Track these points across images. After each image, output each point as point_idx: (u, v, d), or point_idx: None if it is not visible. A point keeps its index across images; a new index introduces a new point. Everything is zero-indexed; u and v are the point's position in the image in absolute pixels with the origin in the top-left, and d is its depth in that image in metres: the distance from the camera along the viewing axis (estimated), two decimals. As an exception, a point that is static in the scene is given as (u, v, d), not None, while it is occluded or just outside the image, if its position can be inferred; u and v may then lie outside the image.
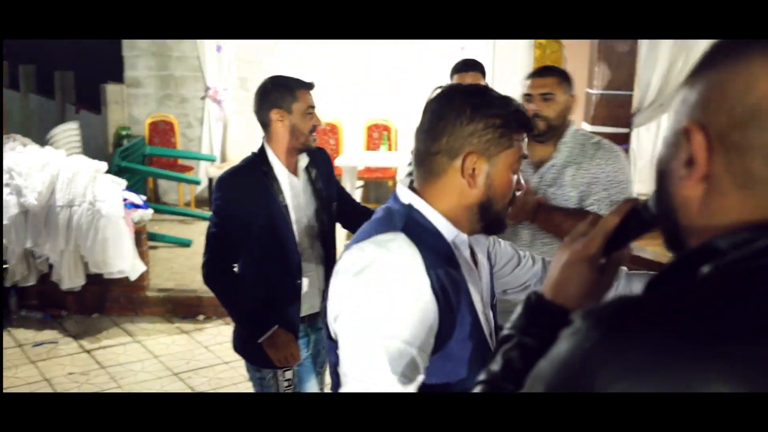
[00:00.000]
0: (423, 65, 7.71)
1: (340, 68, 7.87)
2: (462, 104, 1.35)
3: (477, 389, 0.98)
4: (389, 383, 1.25)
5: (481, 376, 1.00)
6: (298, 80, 2.69)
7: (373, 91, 7.93)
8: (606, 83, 4.97)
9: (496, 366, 0.98)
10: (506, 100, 1.38)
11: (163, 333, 5.06)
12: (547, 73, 2.64)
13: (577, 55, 6.98)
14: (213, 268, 2.67)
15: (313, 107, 2.66)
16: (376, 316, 1.27)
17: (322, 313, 2.80)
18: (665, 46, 4.87)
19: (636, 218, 0.97)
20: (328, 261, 2.81)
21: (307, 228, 2.73)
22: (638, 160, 5.65)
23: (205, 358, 4.64)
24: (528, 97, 2.60)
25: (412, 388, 1.28)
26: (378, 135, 7.87)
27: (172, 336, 5.01)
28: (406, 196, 1.43)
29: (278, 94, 2.64)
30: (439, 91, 1.42)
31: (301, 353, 2.75)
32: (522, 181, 1.46)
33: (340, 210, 2.89)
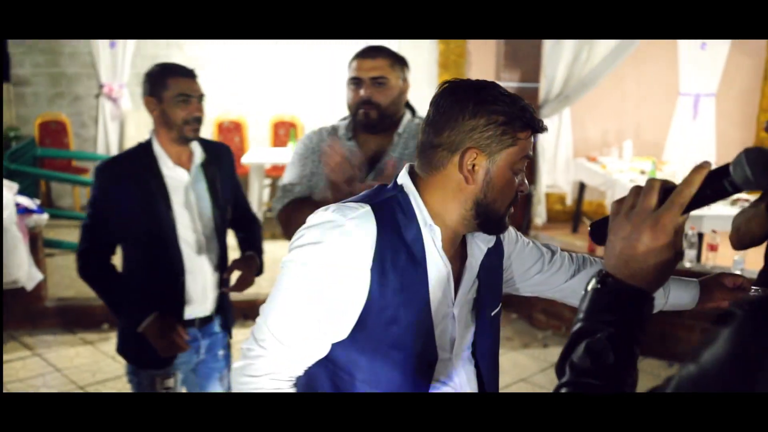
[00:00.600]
0: (329, 59, 7.62)
1: (243, 63, 7.68)
2: (465, 99, 1.35)
3: (564, 389, 0.91)
4: (283, 333, 1.33)
5: (565, 377, 0.92)
6: (173, 66, 2.53)
7: (278, 86, 7.77)
8: (512, 76, 5.03)
9: (584, 362, 0.90)
10: (512, 98, 1.36)
11: (66, 345, 4.78)
12: (378, 53, 2.35)
13: (482, 48, 7.07)
14: (87, 261, 2.54)
15: (187, 96, 2.48)
16: (304, 266, 1.32)
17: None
18: (569, 40, 4.98)
19: (714, 188, 0.91)
20: (222, 264, 2.67)
21: (196, 227, 2.59)
22: (545, 152, 5.76)
23: (111, 369, 4.41)
24: (356, 81, 2.32)
25: (306, 348, 1.35)
26: (284, 131, 7.73)
27: (76, 347, 4.74)
28: (401, 177, 1.44)
29: (150, 82, 2.51)
30: (446, 85, 1.41)
31: (191, 359, 2.63)
32: (526, 182, 1.42)
33: (233, 214, 2.77)
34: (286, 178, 2.47)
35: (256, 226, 2.90)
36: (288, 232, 2.36)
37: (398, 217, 1.37)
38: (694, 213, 4.43)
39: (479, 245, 1.48)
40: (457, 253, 1.47)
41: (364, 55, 2.33)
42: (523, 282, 1.68)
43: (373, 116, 2.31)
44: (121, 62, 7.44)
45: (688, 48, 7.21)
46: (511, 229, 1.65)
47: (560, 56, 5.02)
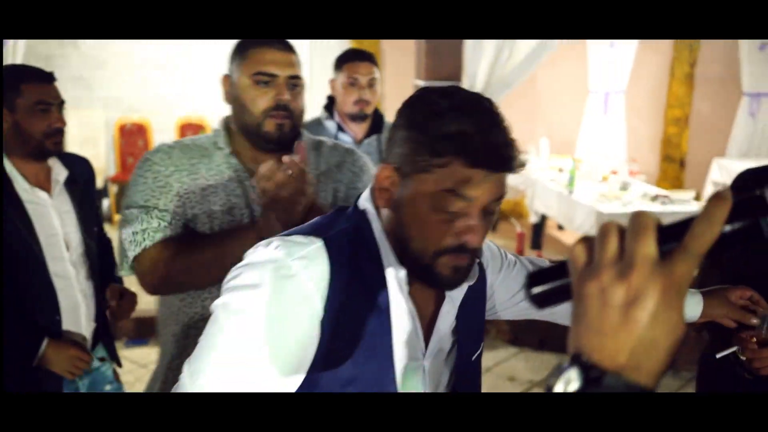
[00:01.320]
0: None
1: (146, 62, 7.27)
2: (412, 107, 1.11)
3: None
4: (213, 381, 1.05)
5: None
6: (26, 69, 2.19)
7: (185, 85, 7.40)
8: (434, 74, 4.89)
9: None
10: (467, 114, 1.06)
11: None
12: (288, 46, 1.80)
13: (397, 46, 6.92)
14: None
15: (47, 103, 2.15)
16: (238, 316, 1.06)
17: None
18: (490, 39, 4.90)
19: (745, 229, 0.62)
20: (98, 296, 2.35)
21: (64, 257, 2.22)
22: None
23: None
24: (267, 78, 1.74)
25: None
26: (192, 134, 7.37)
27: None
28: (363, 200, 1.19)
29: None
30: (415, 92, 1.16)
31: None
32: (473, 223, 1.08)
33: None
34: (140, 198, 1.76)
35: (111, 252, 2.56)
36: (164, 286, 1.75)
37: (358, 254, 1.13)
38: (611, 210, 4.38)
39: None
40: (432, 293, 1.22)
41: (275, 45, 1.77)
42: (505, 309, 1.45)
43: (287, 128, 1.77)
44: (12, 62, 6.91)
45: (597, 47, 7.30)
46: (494, 249, 1.42)
47: (482, 55, 4.93)
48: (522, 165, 1.10)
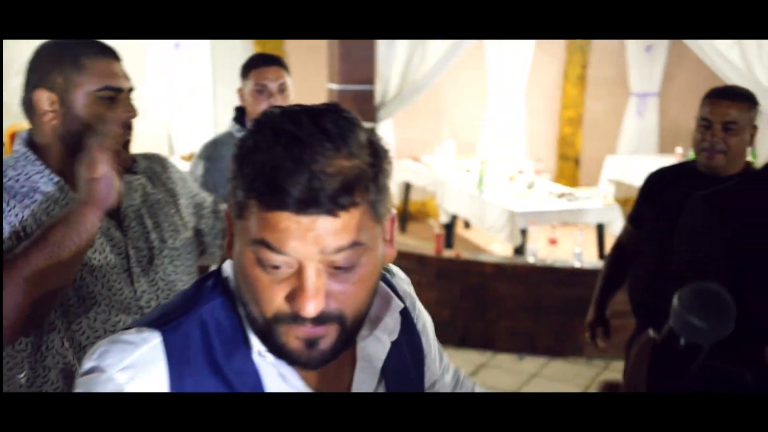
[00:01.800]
0: (140, 57, 7.06)
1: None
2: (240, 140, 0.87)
3: None
4: None
5: None
6: None
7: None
8: (348, 78, 4.91)
9: None
10: (282, 144, 0.81)
11: None
12: (118, 55, 1.60)
13: (301, 48, 6.88)
14: None
15: None
16: None
17: None
18: (403, 41, 4.96)
19: (675, 358, 0.67)
20: None
21: None
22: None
23: None
24: (115, 93, 1.55)
25: None
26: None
27: None
28: (228, 264, 0.94)
29: None
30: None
31: None
32: (301, 285, 0.82)
33: None
34: None
35: None
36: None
37: (212, 340, 0.88)
38: (523, 209, 4.50)
39: (379, 338, 0.97)
40: (345, 359, 0.94)
41: (110, 53, 1.55)
42: None
43: (128, 148, 1.60)
44: None
45: (494, 48, 7.52)
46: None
47: (394, 58, 4.98)
48: (353, 204, 0.81)
